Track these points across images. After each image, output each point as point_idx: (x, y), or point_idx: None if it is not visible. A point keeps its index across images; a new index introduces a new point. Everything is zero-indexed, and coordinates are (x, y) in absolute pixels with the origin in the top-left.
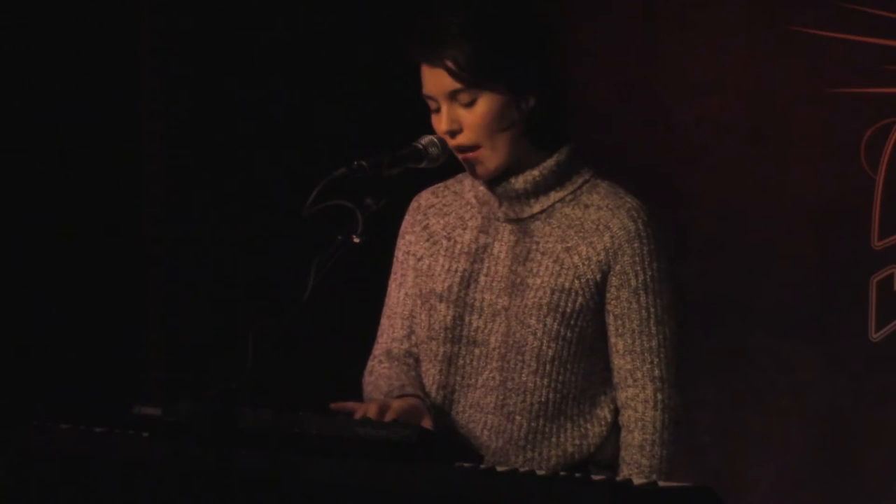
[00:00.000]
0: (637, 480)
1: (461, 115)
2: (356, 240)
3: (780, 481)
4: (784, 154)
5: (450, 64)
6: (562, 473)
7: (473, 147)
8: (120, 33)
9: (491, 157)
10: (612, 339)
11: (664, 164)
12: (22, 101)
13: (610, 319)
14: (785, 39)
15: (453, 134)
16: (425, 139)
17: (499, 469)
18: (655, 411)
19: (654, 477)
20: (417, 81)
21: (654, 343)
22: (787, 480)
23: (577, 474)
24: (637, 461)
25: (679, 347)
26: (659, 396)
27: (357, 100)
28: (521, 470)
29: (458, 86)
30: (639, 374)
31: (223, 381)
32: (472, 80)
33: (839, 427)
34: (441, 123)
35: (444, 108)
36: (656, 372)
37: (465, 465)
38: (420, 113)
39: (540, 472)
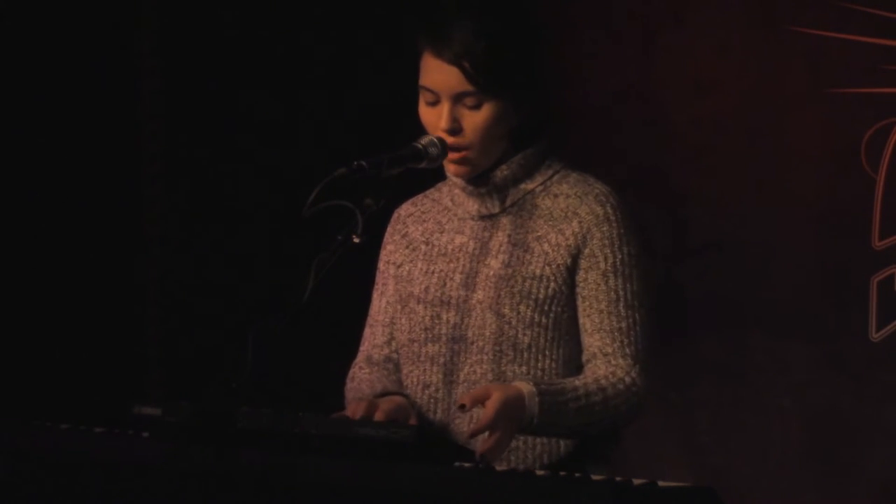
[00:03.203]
0: (637, 480)
1: (463, 116)
2: (356, 240)
3: (779, 481)
4: (784, 154)
5: (466, 65)
6: (561, 473)
7: (465, 147)
8: (120, 33)
9: (478, 159)
10: (581, 320)
11: (664, 164)
12: (21, 102)
13: (579, 302)
14: (784, 39)
15: (451, 133)
16: (425, 139)
17: (498, 469)
18: (623, 384)
19: (598, 409)
20: (417, 80)
21: (623, 325)
22: (786, 480)
23: (577, 474)
24: (586, 384)
25: (653, 337)
26: (632, 373)
27: (358, 99)
28: (521, 469)
29: (469, 88)
30: (609, 350)
31: (223, 381)
32: (485, 86)
33: (839, 427)
34: (441, 121)
35: (446, 106)
36: (627, 350)
37: (465, 464)
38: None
39: (539, 472)
